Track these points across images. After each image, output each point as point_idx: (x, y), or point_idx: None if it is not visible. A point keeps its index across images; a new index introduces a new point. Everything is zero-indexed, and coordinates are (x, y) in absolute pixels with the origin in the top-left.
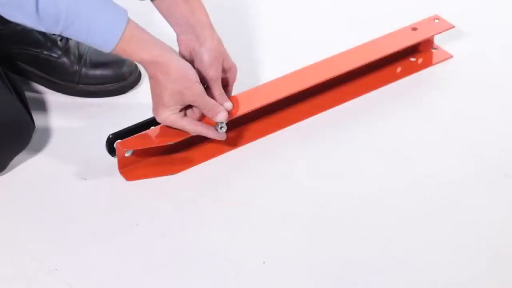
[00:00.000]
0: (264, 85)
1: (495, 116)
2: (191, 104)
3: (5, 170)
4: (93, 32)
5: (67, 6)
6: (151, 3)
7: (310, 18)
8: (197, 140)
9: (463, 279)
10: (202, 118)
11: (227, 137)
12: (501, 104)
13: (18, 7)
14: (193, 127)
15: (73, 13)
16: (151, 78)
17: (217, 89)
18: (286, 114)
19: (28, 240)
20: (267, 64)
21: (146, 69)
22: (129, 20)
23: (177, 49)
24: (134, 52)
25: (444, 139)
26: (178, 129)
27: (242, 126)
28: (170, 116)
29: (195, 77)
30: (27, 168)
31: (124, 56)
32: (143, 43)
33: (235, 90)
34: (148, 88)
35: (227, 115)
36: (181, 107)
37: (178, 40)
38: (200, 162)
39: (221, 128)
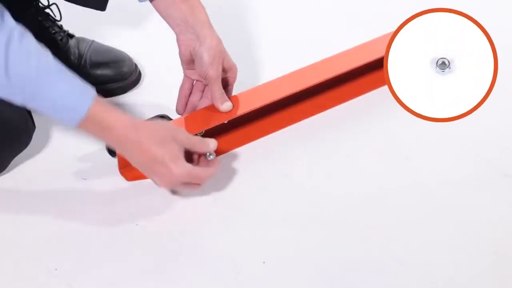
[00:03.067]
0: (264, 85)
1: (495, 116)
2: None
3: (5, 170)
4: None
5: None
6: (150, 4)
7: (310, 18)
8: None
9: (463, 279)
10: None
11: (227, 138)
12: (501, 104)
13: None
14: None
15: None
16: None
17: (217, 88)
18: (286, 114)
19: (28, 240)
20: (267, 64)
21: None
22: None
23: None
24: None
25: (444, 139)
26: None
27: (242, 126)
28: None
29: (171, 132)
30: (27, 168)
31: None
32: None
33: (235, 90)
34: (148, 87)
35: (215, 144)
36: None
37: (177, 41)
38: None
39: (209, 156)
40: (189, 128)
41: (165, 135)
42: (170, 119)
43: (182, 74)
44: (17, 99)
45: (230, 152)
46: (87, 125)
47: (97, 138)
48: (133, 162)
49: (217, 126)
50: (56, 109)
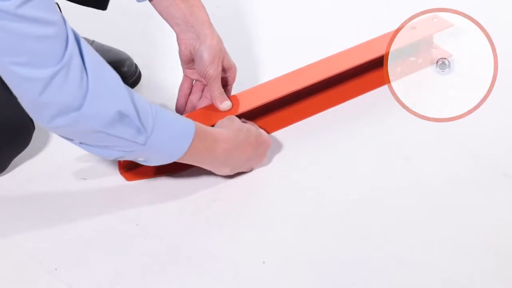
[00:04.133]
0: (264, 84)
1: (495, 116)
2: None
3: (5, 170)
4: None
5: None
6: (150, 4)
7: (310, 18)
8: None
9: (463, 279)
10: None
11: None
12: (501, 104)
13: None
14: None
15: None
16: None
17: (217, 87)
18: (286, 114)
19: (28, 240)
20: (267, 64)
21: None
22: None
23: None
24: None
25: (444, 139)
26: None
27: None
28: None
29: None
30: (27, 168)
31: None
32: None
33: (235, 90)
34: (148, 87)
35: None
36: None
37: (178, 40)
38: None
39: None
40: None
41: (234, 122)
42: None
43: (182, 74)
44: (141, 138)
45: None
46: (198, 143)
47: (203, 158)
48: (235, 167)
49: None
50: (173, 133)
